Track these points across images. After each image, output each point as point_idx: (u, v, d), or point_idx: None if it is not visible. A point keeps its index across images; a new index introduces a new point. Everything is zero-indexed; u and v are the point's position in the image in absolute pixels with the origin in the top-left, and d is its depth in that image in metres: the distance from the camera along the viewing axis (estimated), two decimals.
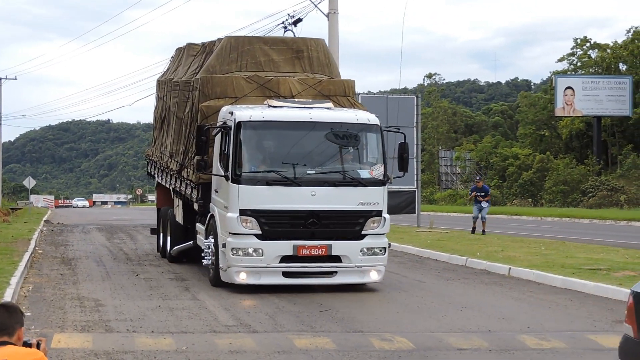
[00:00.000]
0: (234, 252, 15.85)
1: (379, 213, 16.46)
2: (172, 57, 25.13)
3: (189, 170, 18.83)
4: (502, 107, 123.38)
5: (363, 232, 16.35)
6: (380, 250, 16.59)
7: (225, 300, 15.37)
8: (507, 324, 13.35)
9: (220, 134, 16.75)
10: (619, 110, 77.64)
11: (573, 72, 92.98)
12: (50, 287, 17.08)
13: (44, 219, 51.28)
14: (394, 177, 17.54)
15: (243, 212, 15.78)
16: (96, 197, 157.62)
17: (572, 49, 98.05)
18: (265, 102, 17.25)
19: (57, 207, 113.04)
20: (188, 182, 19.05)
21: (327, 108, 17.08)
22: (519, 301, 16.09)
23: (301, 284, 16.18)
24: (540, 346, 11.67)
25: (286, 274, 16.10)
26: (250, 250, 15.87)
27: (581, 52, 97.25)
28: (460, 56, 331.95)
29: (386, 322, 13.22)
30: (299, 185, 16.05)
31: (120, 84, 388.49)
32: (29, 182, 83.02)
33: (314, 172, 16.41)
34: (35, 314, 13.60)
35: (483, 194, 34.05)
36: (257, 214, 15.86)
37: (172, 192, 22.08)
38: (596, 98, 76.80)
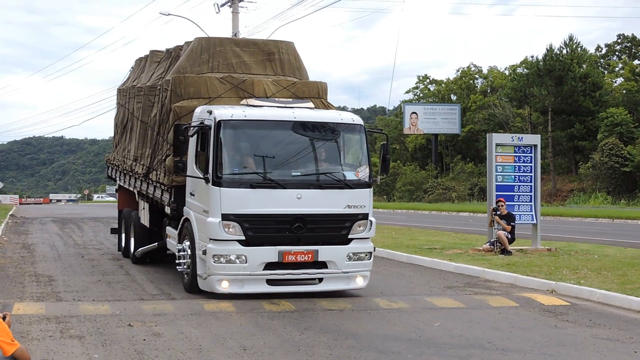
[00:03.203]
0: (216, 259, 11.84)
1: (365, 216, 12.54)
2: (132, 67, 20.67)
3: (158, 172, 14.63)
4: None
5: (350, 236, 12.45)
6: (366, 255, 12.66)
7: (151, 275, 15.10)
8: (366, 290, 13.29)
9: (196, 134, 12.68)
10: (450, 129, 79.21)
11: (417, 101, 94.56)
12: (13, 267, 16.55)
13: (10, 213, 49.80)
14: (381, 179, 13.72)
15: (225, 217, 11.80)
16: (52, 195, 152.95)
17: (416, 83, 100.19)
18: (244, 101, 13.43)
19: (21, 204, 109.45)
20: (157, 184, 14.76)
21: (309, 108, 13.39)
22: (375, 273, 16.08)
23: (286, 292, 12.34)
24: (390, 306, 11.75)
25: (270, 282, 12.21)
26: (233, 257, 11.86)
27: (423, 86, 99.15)
28: (334, 88, 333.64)
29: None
30: (284, 188, 12.02)
31: (71, 108, 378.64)
32: None
33: (299, 173, 12.39)
34: (0, 288, 13.17)
35: None
36: (240, 219, 11.86)
37: (137, 195, 17.45)
38: (434, 120, 78.17)
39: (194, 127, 12.60)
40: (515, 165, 19.93)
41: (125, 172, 18.79)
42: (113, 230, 21.53)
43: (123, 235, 18.96)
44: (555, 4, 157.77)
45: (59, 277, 14.80)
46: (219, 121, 12.05)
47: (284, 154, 12.47)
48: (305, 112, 12.86)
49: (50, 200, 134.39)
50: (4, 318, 6.37)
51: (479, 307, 11.84)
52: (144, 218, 16.81)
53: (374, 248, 13.05)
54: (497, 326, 10.30)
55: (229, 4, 34.47)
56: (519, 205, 19.79)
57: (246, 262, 11.87)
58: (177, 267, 13.04)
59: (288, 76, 14.96)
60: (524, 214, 19.83)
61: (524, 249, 19.39)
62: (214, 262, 11.86)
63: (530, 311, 11.50)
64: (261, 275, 12.02)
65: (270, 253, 11.97)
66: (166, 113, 14.45)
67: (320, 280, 12.52)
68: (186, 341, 9.08)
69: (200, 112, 13.00)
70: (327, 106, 14.40)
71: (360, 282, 12.73)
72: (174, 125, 12.85)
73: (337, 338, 9.38)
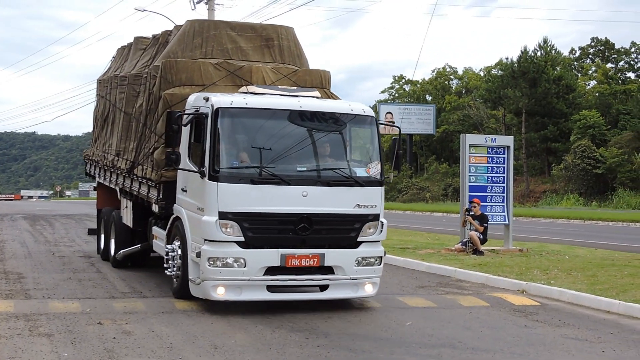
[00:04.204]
0: (211, 262, 10.57)
1: (376, 217, 11.30)
2: (114, 57, 19.18)
3: (145, 167, 13.30)
4: None
5: (359, 239, 11.19)
6: (376, 260, 11.40)
7: (122, 273, 14.99)
8: None
9: (190, 123, 11.36)
10: (425, 129, 79.49)
11: (392, 101, 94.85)
12: None
13: None
14: (393, 177, 12.47)
15: (223, 216, 10.51)
16: (23, 192, 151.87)
17: (392, 83, 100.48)
18: (244, 88, 12.05)
19: None
20: (144, 180, 13.43)
21: (316, 97, 11.98)
22: None
23: (288, 299, 11.24)
24: (362, 305, 11.72)
25: (271, 288, 10.90)
26: (230, 261, 10.57)
27: (398, 86, 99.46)
28: None
29: None
30: (289, 184, 10.76)
31: (44, 103, 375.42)
32: None
33: (305, 169, 11.14)
34: None
35: None
36: (239, 218, 10.57)
37: (119, 193, 15.96)
38: (409, 121, 78.33)
39: (189, 115, 11.31)
40: (488, 166, 20.07)
41: (105, 168, 17.34)
42: (91, 231, 19.84)
43: (102, 237, 17.51)
44: (531, 7, 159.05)
45: (29, 275, 14.65)
46: (217, 109, 10.80)
47: (289, 147, 11.15)
48: (311, 102, 11.58)
49: (22, 196, 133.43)
50: None
51: (450, 306, 11.91)
52: (127, 218, 15.40)
53: (385, 252, 11.78)
54: (468, 326, 10.36)
55: (205, 0, 34.33)
56: (491, 205, 19.92)
57: (245, 266, 10.64)
58: (166, 270, 11.93)
59: (288, 64, 13.74)
60: (496, 215, 19.97)
61: (496, 250, 19.51)
62: (209, 265, 10.62)
63: (501, 311, 11.59)
64: (261, 281, 10.76)
65: (272, 256, 10.73)
66: (154, 102, 13.14)
67: (326, 287, 11.30)
68: (157, 339, 9.04)
69: (194, 100, 11.73)
70: (331, 97, 13.11)
71: (369, 290, 11.49)
72: (167, 112, 11.54)
73: (308, 337, 9.39)
